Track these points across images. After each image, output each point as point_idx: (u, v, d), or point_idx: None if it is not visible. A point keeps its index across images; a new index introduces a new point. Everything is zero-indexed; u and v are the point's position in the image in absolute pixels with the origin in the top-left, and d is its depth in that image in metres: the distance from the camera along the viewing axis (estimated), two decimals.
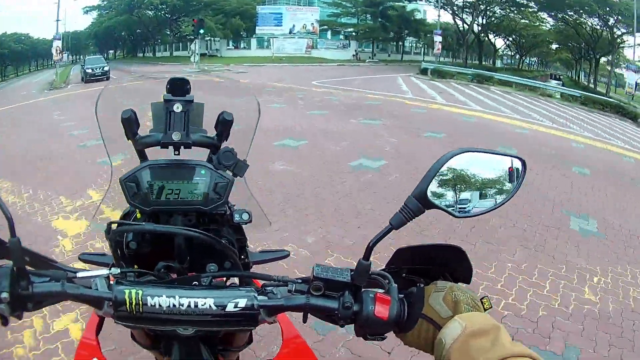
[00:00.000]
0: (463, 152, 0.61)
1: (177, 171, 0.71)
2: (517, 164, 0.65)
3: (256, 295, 0.63)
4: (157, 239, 0.74)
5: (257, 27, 36.70)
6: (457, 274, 0.69)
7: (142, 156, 0.77)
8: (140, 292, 0.61)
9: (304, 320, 0.65)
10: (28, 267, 0.61)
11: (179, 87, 0.73)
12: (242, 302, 0.62)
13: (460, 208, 0.63)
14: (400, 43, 41.62)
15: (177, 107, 0.72)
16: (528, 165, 0.65)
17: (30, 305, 0.61)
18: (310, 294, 0.64)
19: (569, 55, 33.92)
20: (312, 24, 36.27)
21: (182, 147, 0.74)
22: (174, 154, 0.75)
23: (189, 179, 0.71)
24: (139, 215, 0.75)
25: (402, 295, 0.64)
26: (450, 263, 0.69)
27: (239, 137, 0.80)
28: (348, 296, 0.63)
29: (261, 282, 0.69)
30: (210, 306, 0.61)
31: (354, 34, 37.13)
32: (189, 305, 0.61)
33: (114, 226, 0.69)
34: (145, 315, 0.61)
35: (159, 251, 0.74)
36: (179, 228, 0.68)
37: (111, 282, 0.64)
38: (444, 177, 0.62)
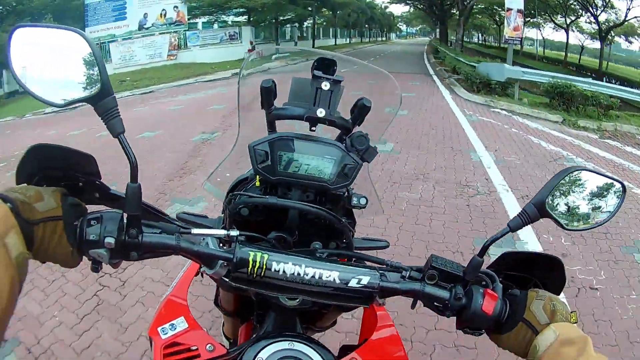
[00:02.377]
0: (579, 170, 0.67)
1: (310, 146, 0.71)
2: (619, 187, 0.68)
3: (379, 274, 0.65)
4: (270, 210, 0.74)
5: (86, 29, 22.19)
6: (549, 284, 0.70)
7: (272, 127, 0.78)
8: (266, 256, 0.62)
9: (413, 307, 0.68)
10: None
11: (326, 66, 0.75)
12: (365, 280, 0.64)
13: (569, 221, 0.67)
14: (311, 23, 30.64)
15: (325, 85, 0.73)
16: None
17: (134, 255, 0.62)
18: (424, 281, 0.66)
19: None
20: (176, 8, 22.70)
21: (322, 123, 0.75)
22: (310, 130, 0.76)
23: (319, 156, 0.71)
24: (257, 184, 0.75)
25: (504, 297, 0.66)
26: (545, 272, 0.70)
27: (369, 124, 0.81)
28: (459, 288, 0.65)
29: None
30: (334, 279, 0.63)
31: (246, 16, 24.46)
32: (313, 276, 0.62)
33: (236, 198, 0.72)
34: (265, 280, 0.63)
35: (269, 221, 0.74)
36: (308, 205, 0.70)
37: (221, 245, 0.66)
38: (560, 191, 0.66)
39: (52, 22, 17.94)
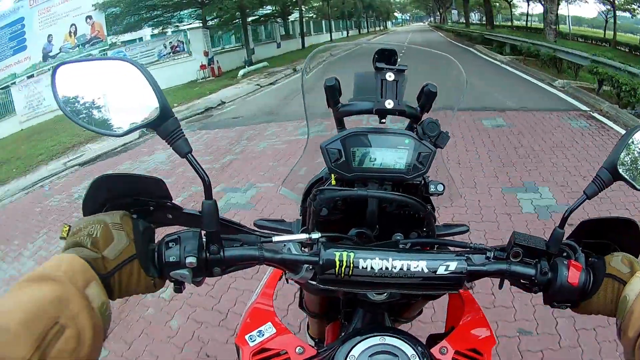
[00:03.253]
0: None
1: (382, 139, 0.70)
2: None
3: (465, 259, 0.63)
4: (348, 206, 0.74)
5: None
6: (627, 246, 0.68)
7: (341, 124, 0.78)
8: (352, 254, 0.61)
9: (500, 287, 0.67)
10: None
11: (387, 56, 0.73)
12: (453, 266, 0.62)
13: None
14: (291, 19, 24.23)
15: (390, 76, 0.71)
16: None
17: (217, 270, 0.61)
18: (509, 260, 0.65)
19: None
20: (90, 19, 15.04)
21: (393, 114, 0.73)
22: (380, 122, 0.74)
23: (393, 148, 0.70)
24: (334, 182, 0.74)
25: (585, 265, 0.65)
26: (623, 235, 0.69)
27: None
28: (544, 263, 0.64)
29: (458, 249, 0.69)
30: (422, 269, 0.62)
31: (199, 20, 16.25)
32: (401, 268, 0.61)
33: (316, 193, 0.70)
34: (353, 278, 0.61)
35: (348, 219, 0.74)
36: (395, 194, 0.69)
37: (302, 248, 0.70)
38: (630, 152, 0.64)
39: None
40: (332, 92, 0.74)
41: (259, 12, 20.71)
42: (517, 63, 12.16)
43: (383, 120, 0.74)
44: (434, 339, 0.82)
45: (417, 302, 0.87)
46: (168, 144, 0.58)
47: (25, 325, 0.43)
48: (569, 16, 23.59)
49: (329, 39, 30.58)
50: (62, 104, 0.57)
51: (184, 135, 0.58)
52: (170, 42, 15.09)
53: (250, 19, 20.26)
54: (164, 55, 15.07)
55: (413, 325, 1.03)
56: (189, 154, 0.58)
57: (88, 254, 0.54)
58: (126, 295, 0.59)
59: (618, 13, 17.99)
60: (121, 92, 0.57)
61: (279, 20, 23.46)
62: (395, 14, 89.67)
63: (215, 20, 16.40)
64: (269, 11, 23.74)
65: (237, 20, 17.10)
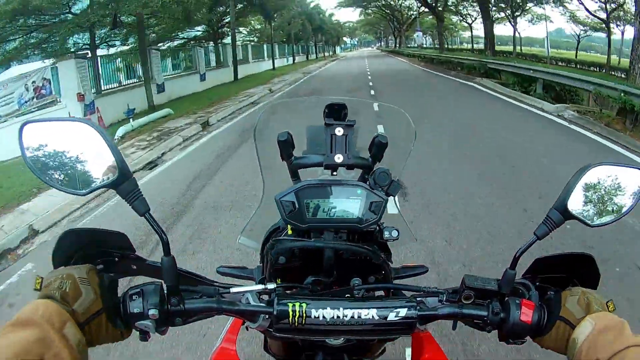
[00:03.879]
0: (595, 167, 0.66)
1: (334, 190, 0.73)
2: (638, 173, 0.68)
3: (415, 305, 0.66)
4: (305, 254, 0.75)
5: None
6: (584, 280, 0.70)
7: (295, 176, 0.82)
8: (304, 305, 0.63)
9: (454, 328, 0.69)
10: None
11: (337, 110, 0.77)
12: (403, 312, 0.64)
13: (594, 218, 0.67)
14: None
15: (339, 131, 0.76)
16: None
17: (179, 321, 0.65)
18: (461, 302, 0.68)
19: None
20: None
21: (341, 168, 0.78)
22: (331, 174, 0.80)
23: (345, 198, 0.73)
24: (290, 232, 0.78)
25: (540, 302, 0.68)
26: (578, 270, 0.71)
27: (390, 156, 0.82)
28: (496, 303, 0.67)
29: (410, 293, 0.72)
30: (373, 316, 0.64)
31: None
32: (352, 317, 0.63)
33: (272, 243, 0.74)
34: (306, 327, 0.64)
35: (305, 266, 0.75)
36: (348, 244, 0.72)
37: (260, 296, 0.69)
38: (580, 190, 0.66)
39: None
40: (285, 145, 0.78)
41: (179, 34, 16.54)
42: (595, 123, 7.45)
43: (334, 173, 0.80)
44: None
45: (375, 344, 0.87)
46: (127, 202, 0.61)
47: None
48: (547, 37, 21.25)
49: (272, 66, 26.88)
50: (30, 162, 0.60)
51: (142, 195, 0.62)
52: (34, 82, 9.86)
53: (166, 43, 16.04)
54: (26, 102, 9.93)
55: None
56: (147, 213, 0.62)
57: (62, 304, 0.57)
58: (100, 343, 0.62)
59: None
60: (83, 152, 0.60)
61: (205, 44, 19.04)
62: (345, 38, 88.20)
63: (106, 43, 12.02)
64: (198, 33, 19.65)
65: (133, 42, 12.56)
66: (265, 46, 28.21)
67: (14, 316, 0.52)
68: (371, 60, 35.22)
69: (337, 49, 75.60)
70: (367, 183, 0.74)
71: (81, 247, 0.66)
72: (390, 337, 0.76)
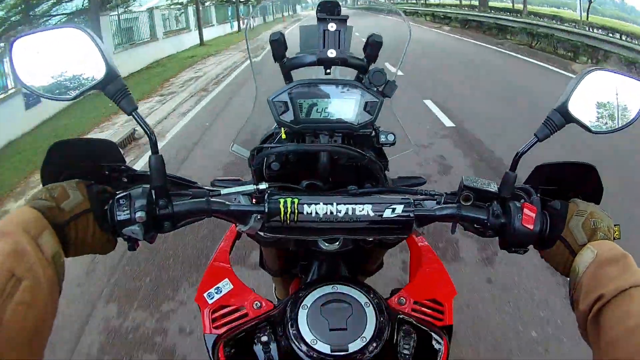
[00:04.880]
0: (596, 71, 0.64)
1: (328, 90, 0.70)
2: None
3: (412, 202, 0.64)
4: (300, 159, 0.75)
5: None
6: (587, 193, 0.67)
7: (289, 78, 0.76)
8: (296, 200, 0.62)
9: (452, 231, 0.67)
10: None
11: (330, 7, 0.72)
12: (399, 209, 0.63)
13: (595, 124, 0.65)
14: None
15: (332, 26, 0.70)
16: None
17: (167, 225, 0.62)
18: (460, 204, 0.65)
19: None
20: None
21: (336, 64, 0.73)
22: (325, 73, 0.75)
23: (339, 98, 0.70)
24: (284, 136, 0.75)
25: (543, 210, 0.64)
26: (581, 181, 0.68)
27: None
28: (497, 206, 0.64)
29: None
30: (368, 212, 0.62)
31: None
32: (346, 212, 0.62)
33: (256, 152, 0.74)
34: (299, 225, 0.62)
35: (301, 172, 0.75)
36: (328, 145, 0.70)
37: (253, 201, 0.67)
38: (582, 94, 0.64)
39: None
40: (277, 46, 0.73)
41: None
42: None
43: (328, 71, 0.75)
44: (394, 291, 0.82)
45: (374, 252, 0.86)
46: (114, 102, 0.60)
47: None
48: None
49: (199, 40, 17.14)
50: (19, 74, 0.59)
51: (130, 93, 0.61)
52: None
53: None
54: None
55: (377, 283, 0.91)
56: (134, 111, 0.61)
57: (43, 204, 0.55)
58: (82, 252, 0.60)
59: None
60: (72, 58, 0.60)
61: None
62: None
63: None
64: None
65: None
66: (190, 9, 18.22)
67: None
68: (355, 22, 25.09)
69: (298, 8, 63.84)
70: (362, 83, 0.71)
71: (70, 161, 0.63)
72: (388, 241, 0.75)
